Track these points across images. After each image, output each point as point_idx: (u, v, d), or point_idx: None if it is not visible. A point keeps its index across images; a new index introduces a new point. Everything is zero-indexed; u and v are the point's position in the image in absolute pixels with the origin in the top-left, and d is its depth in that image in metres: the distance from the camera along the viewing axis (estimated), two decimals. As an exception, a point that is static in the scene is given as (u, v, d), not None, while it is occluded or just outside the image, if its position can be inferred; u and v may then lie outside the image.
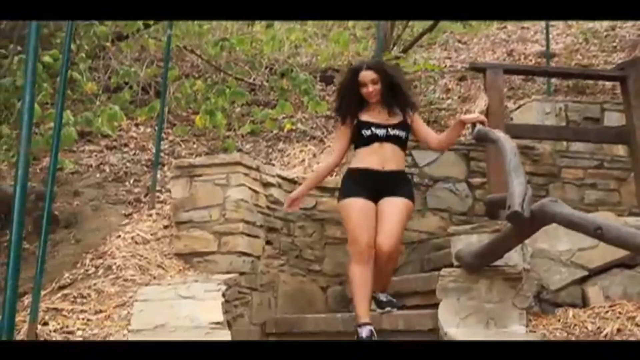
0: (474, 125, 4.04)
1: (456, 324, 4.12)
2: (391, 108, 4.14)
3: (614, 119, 6.30)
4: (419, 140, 4.43)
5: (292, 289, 5.34)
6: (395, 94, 4.15)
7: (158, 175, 5.78)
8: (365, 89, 4.11)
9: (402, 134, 4.15)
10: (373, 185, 4.05)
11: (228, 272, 4.70)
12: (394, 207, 4.04)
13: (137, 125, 7.02)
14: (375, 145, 4.08)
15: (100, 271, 4.57)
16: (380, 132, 4.08)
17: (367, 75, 4.10)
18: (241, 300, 4.72)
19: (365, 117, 4.16)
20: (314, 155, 6.69)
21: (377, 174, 4.06)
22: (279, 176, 5.45)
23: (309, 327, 4.83)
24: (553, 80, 7.69)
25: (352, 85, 4.17)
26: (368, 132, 4.08)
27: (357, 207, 4.01)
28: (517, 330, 4.14)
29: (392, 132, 4.10)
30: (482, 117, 4.03)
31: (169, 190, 5.43)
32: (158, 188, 5.69)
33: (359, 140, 4.15)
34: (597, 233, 2.96)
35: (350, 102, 4.18)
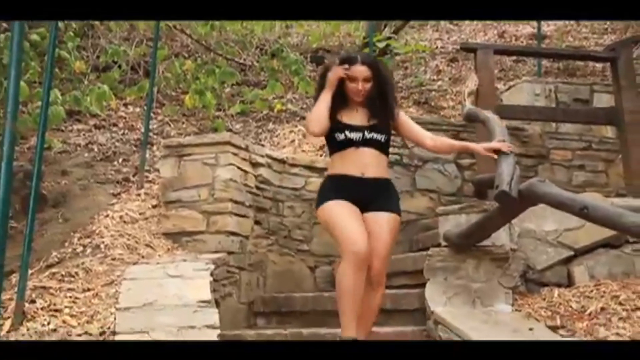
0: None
1: (443, 303, 4.16)
2: (373, 110, 3.57)
3: (603, 100, 6.33)
4: (411, 141, 3.86)
5: (280, 268, 5.36)
6: (384, 98, 3.59)
7: (147, 155, 5.76)
8: (354, 84, 3.51)
9: (381, 137, 3.54)
10: (354, 193, 3.44)
11: (216, 252, 4.70)
12: (381, 225, 3.45)
13: (126, 104, 6.99)
14: (351, 150, 3.49)
15: (89, 250, 4.56)
16: (356, 135, 3.50)
17: (360, 70, 3.52)
18: (229, 280, 4.73)
19: (340, 116, 3.56)
20: (304, 136, 6.67)
21: (357, 181, 3.46)
22: (269, 156, 5.44)
23: (297, 306, 4.85)
24: (544, 62, 7.70)
25: (340, 81, 3.57)
26: (341, 136, 3.50)
27: (344, 206, 3.41)
28: (503, 309, 4.18)
29: (369, 135, 3.51)
30: (497, 145, 3.60)
31: (157, 170, 5.42)
32: (147, 168, 5.67)
33: (332, 145, 3.58)
34: (583, 213, 2.97)
35: (336, 94, 3.57)
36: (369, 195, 3.46)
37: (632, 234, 3.12)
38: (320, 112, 3.49)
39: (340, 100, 3.56)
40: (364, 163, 3.48)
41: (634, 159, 5.24)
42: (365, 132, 3.51)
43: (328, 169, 3.68)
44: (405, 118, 3.71)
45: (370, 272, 3.40)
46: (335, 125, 3.52)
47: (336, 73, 3.52)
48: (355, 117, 3.56)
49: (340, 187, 3.46)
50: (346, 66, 3.52)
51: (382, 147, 3.56)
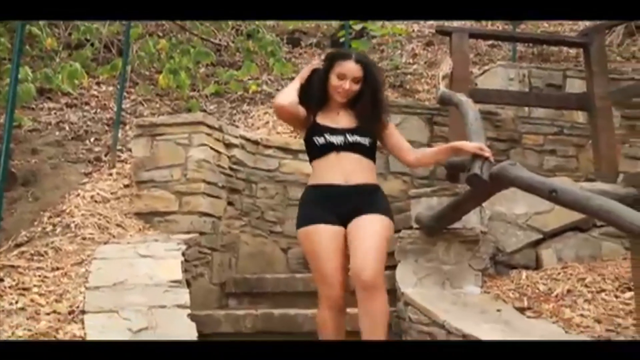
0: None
1: (413, 285, 4.20)
2: (357, 112, 3.22)
3: (576, 85, 6.39)
4: (393, 154, 3.37)
5: (253, 249, 5.36)
6: (374, 102, 3.22)
7: (119, 135, 5.71)
8: (340, 82, 3.15)
9: (364, 140, 3.18)
10: (338, 204, 3.08)
11: (189, 232, 4.69)
12: (366, 228, 3.06)
13: (98, 83, 6.90)
14: (332, 156, 3.13)
15: (59, 229, 4.52)
16: (337, 139, 3.13)
17: (352, 68, 3.16)
18: (201, 260, 4.73)
19: (320, 118, 3.21)
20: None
21: (340, 190, 3.09)
22: (242, 137, 5.42)
23: (269, 287, 4.87)
24: (518, 47, 7.74)
25: (326, 72, 3.20)
26: (321, 140, 3.14)
27: (322, 236, 3.05)
28: (472, 291, 4.23)
29: (351, 138, 3.15)
30: (484, 147, 3.26)
31: (130, 150, 5.38)
32: (119, 147, 5.62)
33: (312, 150, 3.21)
34: (553, 196, 3.01)
35: (318, 90, 3.21)
36: (355, 203, 3.08)
37: (599, 217, 3.16)
38: (289, 89, 3.20)
39: (321, 100, 3.21)
40: (348, 169, 3.12)
41: (604, 144, 5.31)
42: (348, 135, 3.15)
43: (310, 180, 3.26)
44: (393, 129, 3.32)
45: (360, 284, 2.96)
46: (315, 128, 3.17)
47: (310, 65, 3.30)
48: (337, 119, 3.21)
49: (322, 198, 3.09)
50: (320, 64, 3.25)
51: (367, 152, 3.20)
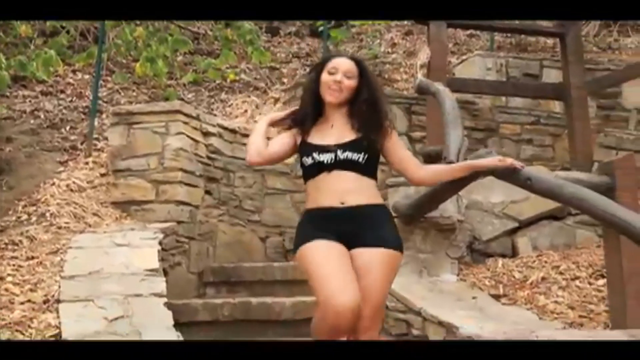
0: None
1: (390, 273, 4.22)
2: (353, 123, 2.81)
3: (552, 75, 6.43)
4: (397, 170, 2.96)
5: (231, 238, 5.35)
6: (373, 108, 2.83)
7: (96, 123, 5.65)
8: (332, 77, 2.78)
9: (356, 156, 2.76)
10: (334, 228, 2.69)
11: (166, 221, 4.67)
12: (369, 264, 2.66)
13: (74, 71, 6.81)
14: (323, 176, 2.76)
15: (34, 218, 4.48)
16: (326, 157, 2.75)
17: (344, 62, 2.82)
18: (179, 249, 4.71)
19: (311, 135, 2.82)
20: (257, 107, 6.64)
21: (336, 213, 2.71)
22: (220, 126, 5.39)
23: (247, 276, 4.87)
24: (496, 36, 7.77)
25: (318, 76, 2.83)
26: (309, 160, 2.78)
27: (324, 250, 2.65)
28: (448, 279, 4.27)
29: (342, 155, 2.75)
30: (503, 158, 3.00)
31: (106, 138, 5.33)
32: (95, 136, 5.56)
33: (304, 172, 2.85)
34: (527, 184, 3.03)
35: (310, 98, 2.85)
36: (355, 227, 2.70)
37: (572, 204, 3.21)
38: (254, 141, 2.84)
39: (315, 111, 2.83)
40: (341, 189, 2.73)
41: (579, 133, 5.37)
42: (338, 153, 2.75)
43: (305, 202, 2.88)
44: (398, 140, 2.89)
45: (359, 321, 2.60)
46: (303, 148, 2.80)
47: (268, 117, 2.94)
48: (329, 133, 2.81)
49: (317, 223, 2.73)
50: (282, 114, 2.91)
51: (363, 169, 2.77)
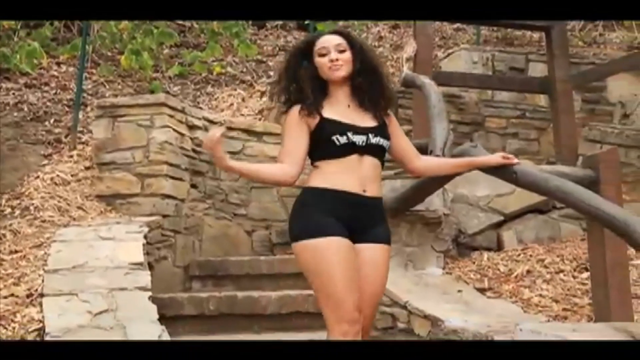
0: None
1: (376, 266, 4.22)
2: (365, 99, 2.66)
3: (538, 69, 6.45)
4: (395, 158, 2.80)
5: (217, 232, 5.33)
6: (371, 78, 2.67)
7: (80, 116, 5.61)
8: (325, 58, 2.61)
9: (385, 142, 2.65)
10: (351, 216, 2.55)
11: (151, 215, 4.65)
12: (377, 264, 2.60)
13: (59, 63, 6.75)
14: (353, 159, 2.57)
15: (17, 212, 4.44)
16: (359, 139, 2.58)
17: (331, 38, 2.65)
18: (164, 243, 4.69)
19: (330, 113, 2.62)
20: (243, 100, 6.62)
21: (357, 200, 2.56)
22: (206, 119, 5.37)
23: (233, 270, 4.85)
24: (483, 30, 7.78)
25: (307, 62, 2.67)
26: (343, 139, 2.56)
27: (339, 250, 2.48)
28: (434, 272, 4.28)
29: (373, 139, 2.60)
30: (507, 155, 3.00)
31: (91, 131, 5.29)
32: (80, 129, 5.53)
33: (324, 149, 2.60)
34: (513, 177, 3.05)
35: (312, 84, 2.63)
36: (367, 219, 2.60)
37: (556, 198, 3.22)
38: (265, 168, 2.71)
39: (320, 91, 2.65)
40: (367, 176, 2.58)
41: (564, 127, 5.39)
42: (370, 136, 2.60)
43: (312, 178, 2.61)
44: (397, 124, 2.76)
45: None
46: (331, 125, 2.58)
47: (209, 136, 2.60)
48: (350, 114, 2.64)
49: (335, 207, 2.53)
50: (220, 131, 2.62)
51: (383, 156, 2.67)
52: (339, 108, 2.63)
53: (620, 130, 5.28)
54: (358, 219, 2.56)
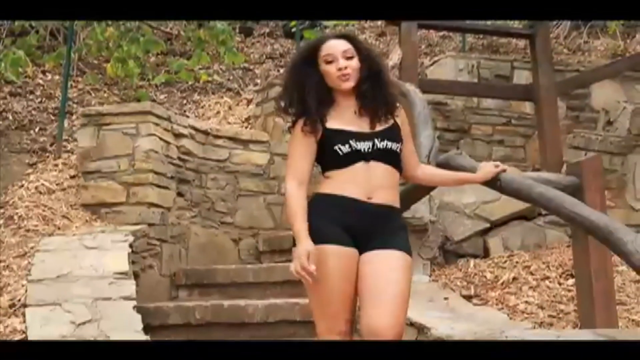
0: None
1: (362, 274, 4.22)
2: (371, 105, 2.56)
3: (523, 76, 6.49)
4: None
5: (203, 240, 5.31)
6: (376, 84, 2.57)
7: (66, 124, 5.59)
8: (332, 66, 2.52)
9: (395, 145, 2.55)
10: (354, 223, 2.47)
11: (137, 224, 4.63)
12: (392, 270, 2.43)
13: (44, 72, 6.72)
14: (359, 166, 2.50)
15: (1, 221, 4.41)
16: (364, 145, 2.51)
17: (337, 44, 2.55)
18: (150, 252, 4.67)
19: (335, 121, 2.55)
20: (230, 108, 6.61)
21: (361, 207, 2.48)
22: (192, 127, 5.35)
23: (220, 278, 4.83)
24: (469, 38, 7.82)
25: (312, 69, 2.56)
26: (346, 148, 2.50)
27: (336, 261, 2.42)
28: (420, 279, 4.27)
29: (381, 144, 2.53)
30: (497, 164, 2.92)
31: (76, 140, 5.26)
32: (65, 137, 5.50)
33: (330, 159, 2.54)
34: (497, 185, 3.05)
35: (317, 94, 2.54)
36: (373, 228, 2.48)
37: (540, 205, 3.22)
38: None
39: (326, 100, 2.57)
40: (373, 184, 2.49)
41: (548, 134, 5.41)
42: (376, 141, 2.52)
43: (319, 188, 2.58)
44: (406, 127, 2.69)
45: (377, 336, 2.35)
46: (333, 135, 2.51)
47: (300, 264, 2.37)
48: (355, 120, 2.56)
49: (337, 212, 2.48)
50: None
51: (396, 160, 2.57)
52: (345, 115, 2.55)
53: (603, 137, 5.32)
54: (363, 226, 2.47)
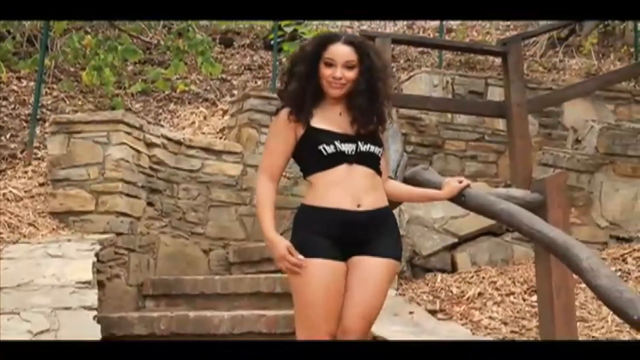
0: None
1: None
2: (362, 112, 2.56)
3: (497, 93, 6.54)
4: None
5: (173, 250, 5.28)
6: (373, 95, 2.57)
7: (38, 132, 5.56)
8: (330, 70, 2.52)
9: (377, 149, 2.58)
10: (343, 235, 2.48)
11: (105, 232, 4.60)
12: (374, 277, 2.48)
13: (19, 78, 6.68)
14: (342, 169, 2.50)
15: (-35, 228, 4.36)
16: (348, 147, 2.51)
17: (342, 52, 2.53)
18: (117, 261, 4.64)
19: (320, 120, 2.55)
20: (205, 118, 6.60)
21: (349, 218, 2.48)
22: (164, 136, 5.34)
23: (187, 289, 4.81)
24: (446, 54, 7.89)
25: (315, 62, 2.55)
26: (330, 149, 2.49)
27: (323, 275, 2.43)
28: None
29: (364, 147, 2.53)
30: (460, 179, 2.90)
31: (47, 147, 5.23)
32: (37, 145, 5.47)
33: (311, 160, 2.54)
34: (462, 200, 3.07)
35: (311, 89, 2.55)
36: (363, 234, 2.49)
37: (502, 220, 3.23)
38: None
39: (316, 97, 2.56)
40: (359, 188, 2.50)
41: (519, 150, 5.46)
42: (360, 144, 2.52)
43: (306, 197, 2.58)
44: (385, 137, 2.74)
45: (346, 335, 2.44)
46: (317, 134, 2.51)
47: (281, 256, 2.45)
48: (339, 121, 2.55)
49: (325, 226, 2.47)
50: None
51: (378, 165, 2.59)
52: (330, 115, 2.56)
53: (571, 155, 5.37)
54: (352, 236, 2.48)
